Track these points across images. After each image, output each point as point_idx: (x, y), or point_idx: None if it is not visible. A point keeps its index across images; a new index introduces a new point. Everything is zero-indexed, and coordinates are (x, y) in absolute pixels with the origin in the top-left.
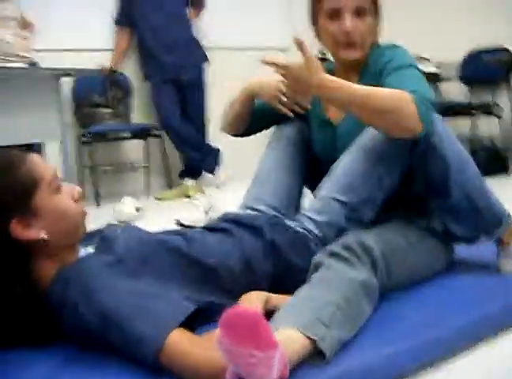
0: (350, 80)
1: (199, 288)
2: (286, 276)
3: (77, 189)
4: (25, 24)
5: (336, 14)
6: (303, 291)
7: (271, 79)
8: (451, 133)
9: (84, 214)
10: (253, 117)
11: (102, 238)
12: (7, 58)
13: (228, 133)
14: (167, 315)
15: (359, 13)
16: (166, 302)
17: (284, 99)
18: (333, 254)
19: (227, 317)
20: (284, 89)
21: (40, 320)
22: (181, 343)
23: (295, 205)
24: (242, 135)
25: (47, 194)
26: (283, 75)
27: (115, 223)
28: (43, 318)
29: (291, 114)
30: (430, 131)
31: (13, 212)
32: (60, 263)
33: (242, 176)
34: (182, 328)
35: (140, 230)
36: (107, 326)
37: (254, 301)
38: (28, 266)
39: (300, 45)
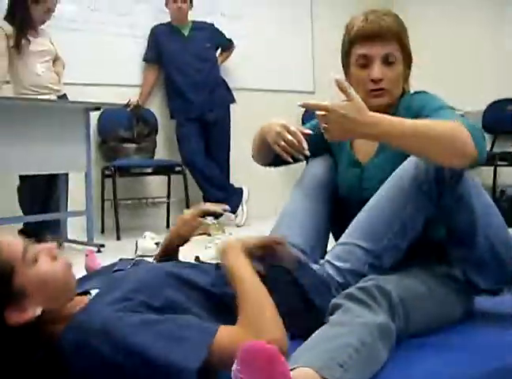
0: None
1: (212, 318)
2: (304, 316)
3: (52, 245)
4: (56, 59)
5: (365, 61)
6: (321, 333)
7: (276, 123)
8: (479, 184)
9: (67, 268)
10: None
11: (112, 276)
12: (36, 90)
13: (258, 163)
14: (195, 337)
15: (388, 60)
16: (188, 325)
17: (283, 144)
18: (351, 297)
19: (244, 352)
20: (285, 135)
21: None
22: (226, 341)
23: (321, 248)
24: (270, 165)
25: (25, 269)
26: (322, 117)
27: (128, 257)
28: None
29: (290, 160)
30: (485, 156)
31: (1, 303)
32: (66, 317)
33: (264, 215)
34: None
35: (151, 264)
36: (134, 362)
37: (234, 256)
38: (37, 339)
39: (342, 86)
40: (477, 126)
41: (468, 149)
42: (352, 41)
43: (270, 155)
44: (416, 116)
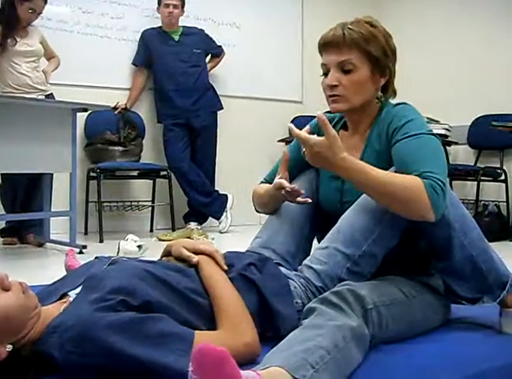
0: (359, 133)
1: (189, 319)
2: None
3: (1, 276)
4: (50, 56)
5: (325, 70)
6: (294, 335)
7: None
8: (455, 196)
9: (21, 292)
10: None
11: (90, 276)
12: (21, 89)
13: (261, 212)
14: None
15: (343, 68)
16: (170, 324)
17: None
18: (325, 301)
19: (196, 353)
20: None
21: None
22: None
23: (303, 256)
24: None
25: None
26: (303, 144)
27: (104, 255)
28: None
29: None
30: (441, 213)
31: None
32: (42, 330)
33: (248, 223)
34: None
35: (130, 262)
36: (120, 363)
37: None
38: (21, 360)
39: (323, 123)
40: (441, 180)
41: (425, 212)
42: (319, 51)
43: (278, 202)
44: (393, 131)
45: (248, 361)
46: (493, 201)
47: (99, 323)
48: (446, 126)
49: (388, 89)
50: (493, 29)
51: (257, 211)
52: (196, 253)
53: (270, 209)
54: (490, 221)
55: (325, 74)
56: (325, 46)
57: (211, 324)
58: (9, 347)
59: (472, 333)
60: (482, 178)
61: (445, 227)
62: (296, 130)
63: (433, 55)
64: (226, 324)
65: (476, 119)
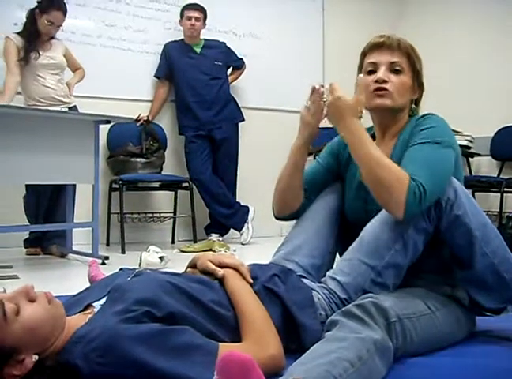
0: (385, 143)
1: (214, 331)
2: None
3: (28, 287)
4: (75, 68)
5: (373, 68)
6: (317, 347)
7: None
8: (476, 205)
9: (48, 302)
10: (306, 186)
11: (114, 288)
12: (46, 102)
13: (282, 215)
14: (201, 353)
15: (394, 69)
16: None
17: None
18: (348, 313)
19: (222, 361)
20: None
21: None
22: None
23: (326, 269)
24: (296, 213)
25: (11, 327)
26: (332, 91)
27: (129, 267)
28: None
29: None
30: (412, 215)
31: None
32: (67, 340)
33: (269, 234)
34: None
35: (155, 274)
36: (143, 374)
37: (237, 280)
38: (46, 370)
39: (360, 85)
40: (427, 189)
41: (394, 207)
42: (364, 52)
43: (300, 185)
44: (413, 135)
45: (273, 373)
46: None
47: (124, 334)
48: (469, 137)
49: (417, 105)
50: None
51: (276, 217)
52: (221, 266)
53: (289, 195)
54: None
55: (370, 72)
56: (379, 46)
57: (235, 336)
58: (35, 358)
59: (496, 346)
60: (505, 189)
61: (466, 236)
62: (336, 85)
63: (455, 65)
64: (251, 336)
65: (499, 130)
